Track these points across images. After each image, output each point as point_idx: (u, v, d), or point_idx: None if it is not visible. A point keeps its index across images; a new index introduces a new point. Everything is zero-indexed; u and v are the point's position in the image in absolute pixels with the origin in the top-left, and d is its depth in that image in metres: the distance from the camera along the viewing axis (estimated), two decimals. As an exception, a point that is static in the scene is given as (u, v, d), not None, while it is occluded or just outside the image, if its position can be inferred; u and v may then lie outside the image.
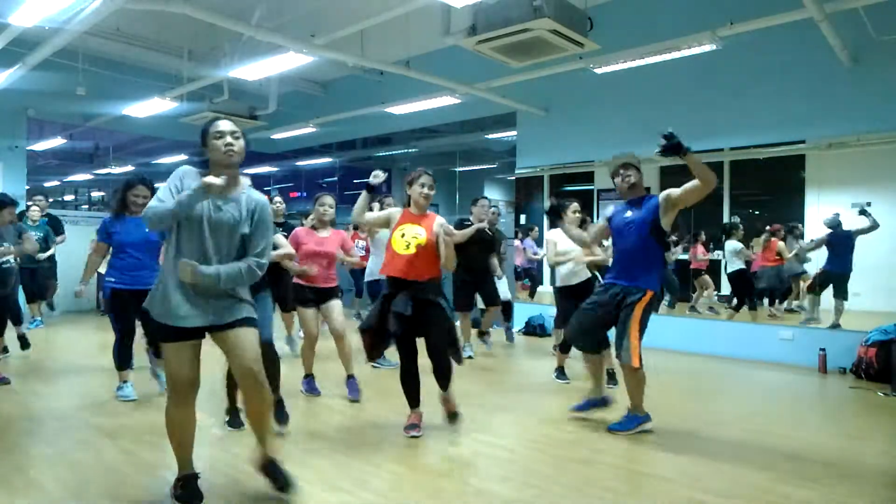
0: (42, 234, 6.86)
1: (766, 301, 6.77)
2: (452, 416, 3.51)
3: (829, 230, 5.90)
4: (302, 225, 4.64)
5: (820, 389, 5.00)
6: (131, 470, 2.86)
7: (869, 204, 5.89)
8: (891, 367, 4.78)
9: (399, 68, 6.73)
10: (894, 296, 5.76)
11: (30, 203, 7.23)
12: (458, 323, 5.18)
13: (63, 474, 2.80)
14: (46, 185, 13.48)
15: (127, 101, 8.45)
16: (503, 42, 4.52)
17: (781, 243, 6.48)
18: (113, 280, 4.01)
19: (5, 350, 5.36)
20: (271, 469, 2.53)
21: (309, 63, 6.54)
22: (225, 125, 2.48)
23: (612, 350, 3.72)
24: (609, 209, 3.75)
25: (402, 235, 3.39)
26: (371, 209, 4.10)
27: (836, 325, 5.83)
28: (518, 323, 7.40)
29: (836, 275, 5.91)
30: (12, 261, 4.66)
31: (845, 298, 5.83)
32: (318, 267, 4.11)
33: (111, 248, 4.11)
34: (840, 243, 5.86)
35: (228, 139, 2.45)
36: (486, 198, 5.61)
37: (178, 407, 2.44)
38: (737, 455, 3.20)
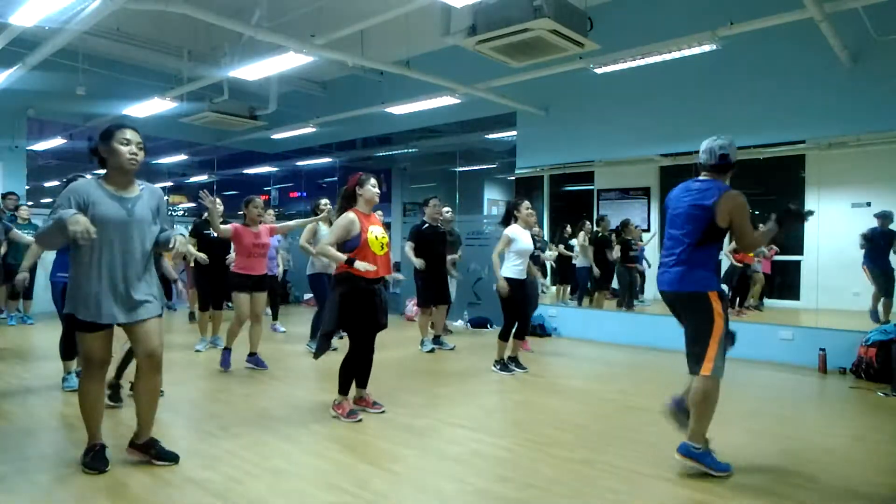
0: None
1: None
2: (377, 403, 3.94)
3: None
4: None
5: (820, 389, 4.99)
6: (131, 469, 2.86)
7: (869, 204, 5.89)
8: (891, 367, 4.78)
9: (399, 68, 6.73)
10: (894, 296, 5.76)
11: (27, 204, 7.26)
12: (417, 319, 6.45)
13: (63, 474, 2.80)
14: (46, 185, 13.47)
15: (127, 101, 8.45)
16: (503, 42, 4.52)
17: None
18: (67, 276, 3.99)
19: None
20: (156, 446, 2.91)
21: (309, 63, 6.54)
22: (133, 135, 2.67)
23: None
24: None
25: (376, 238, 3.67)
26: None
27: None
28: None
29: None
30: None
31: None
32: (258, 257, 4.94)
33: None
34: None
35: (134, 148, 2.65)
36: (436, 197, 6.29)
37: (98, 383, 2.83)
38: (737, 455, 3.20)
